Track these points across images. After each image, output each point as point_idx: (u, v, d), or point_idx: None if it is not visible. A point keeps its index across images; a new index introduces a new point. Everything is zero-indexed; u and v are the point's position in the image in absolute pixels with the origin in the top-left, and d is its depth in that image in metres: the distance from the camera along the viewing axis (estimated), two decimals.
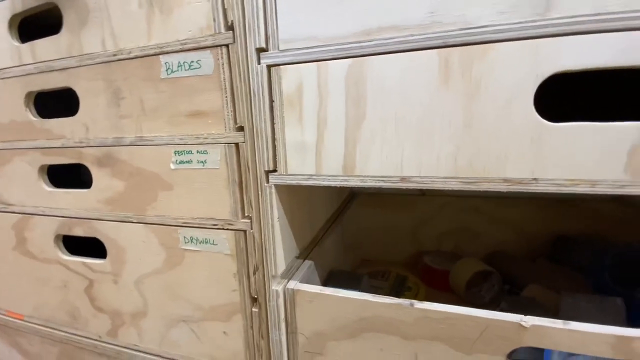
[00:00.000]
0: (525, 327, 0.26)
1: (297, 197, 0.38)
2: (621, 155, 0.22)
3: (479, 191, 0.26)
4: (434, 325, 0.29)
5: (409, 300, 0.30)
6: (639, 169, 0.22)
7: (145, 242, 0.40)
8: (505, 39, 0.23)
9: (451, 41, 0.24)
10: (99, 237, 0.43)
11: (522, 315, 0.27)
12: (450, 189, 0.26)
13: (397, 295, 0.59)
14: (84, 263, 0.46)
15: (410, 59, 0.25)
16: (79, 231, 0.44)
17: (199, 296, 0.38)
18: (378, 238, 0.75)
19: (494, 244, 0.68)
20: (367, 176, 0.29)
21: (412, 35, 0.25)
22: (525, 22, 0.22)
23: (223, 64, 0.31)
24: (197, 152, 0.33)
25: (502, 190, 0.25)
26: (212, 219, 0.35)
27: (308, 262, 0.40)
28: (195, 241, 0.36)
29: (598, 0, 0.21)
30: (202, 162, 0.33)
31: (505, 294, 0.57)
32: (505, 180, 0.25)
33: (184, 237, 0.37)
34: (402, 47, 0.25)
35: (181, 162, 0.34)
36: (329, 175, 0.30)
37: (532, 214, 0.64)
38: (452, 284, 0.60)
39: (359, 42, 0.26)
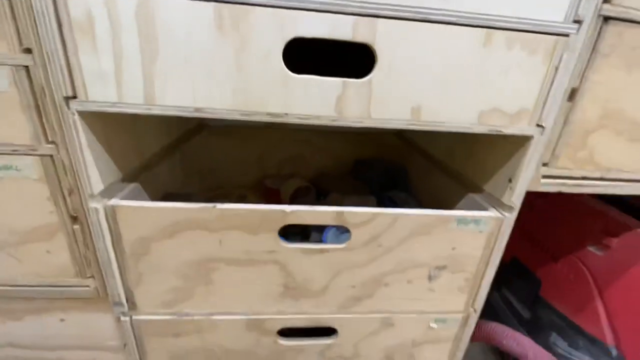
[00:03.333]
0: (287, 212, 0.40)
1: (113, 124, 0.40)
2: (332, 100, 0.35)
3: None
4: (231, 219, 0.40)
5: (212, 203, 0.40)
6: (342, 109, 0.36)
7: None
8: (259, 4, 0.30)
9: None
10: None
11: (286, 205, 0.41)
12: (233, 118, 0.35)
13: None
14: None
15: (192, 7, 0.30)
16: None
17: (12, 221, 0.39)
18: (228, 166, 0.83)
19: (319, 167, 0.86)
20: (168, 105, 0.34)
21: None
22: None
23: None
24: None
25: (266, 120, 0.35)
26: (10, 144, 0.35)
27: (133, 185, 0.44)
28: None
29: None
30: None
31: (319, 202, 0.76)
32: (268, 114, 0.35)
33: None
34: None
35: None
36: (133, 104, 0.34)
37: (342, 144, 0.83)
38: (282, 199, 0.75)
39: None
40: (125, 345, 0.46)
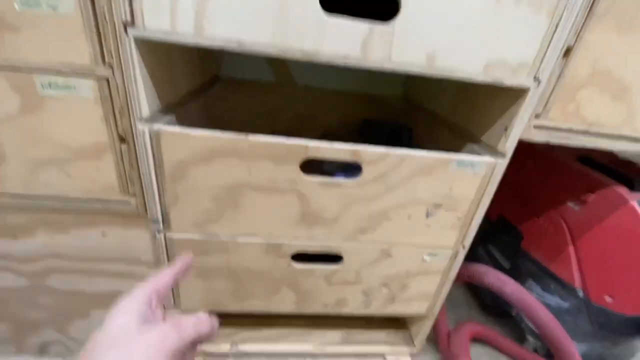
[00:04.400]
0: (309, 147, 0.46)
1: (156, 56, 0.44)
2: (358, 41, 0.39)
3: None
4: (261, 150, 0.45)
5: (245, 133, 0.45)
6: (366, 51, 0.40)
7: None
8: None
9: None
10: None
11: (308, 140, 0.46)
12: (271, 53, 0.39)
13: None
14: None
15: None
16: None
17: (67, 139, 0.44)
18: (238, 118, 0.88)
19: (327, 125, 0.91)
20: (214, 38, 0.38)
21: None
22: None
23: None
24: None
25: (299, 58, 0.40)
26: (71, 64, 0.39)
27: (170, 116, 0.49)
28: (55, 87, 0.40)
29: None
30: (52, 6, 0.35)
31: None
32: (301, 51, 0.40)
33: (42, 83, 0.39)
34: None
35: (26, 3, 0.35)
36: (184, 34, 0.38)
37: (350, 105, 0.88)
38: None
39: None
40: (157, 260, 0.53)
